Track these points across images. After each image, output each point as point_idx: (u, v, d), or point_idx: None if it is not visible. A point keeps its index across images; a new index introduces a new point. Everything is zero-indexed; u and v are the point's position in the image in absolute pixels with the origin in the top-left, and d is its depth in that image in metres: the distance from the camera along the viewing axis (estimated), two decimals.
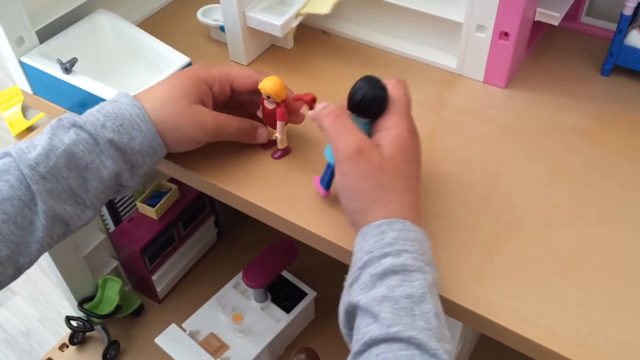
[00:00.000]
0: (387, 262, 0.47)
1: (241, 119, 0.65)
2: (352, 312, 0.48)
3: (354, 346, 0.46)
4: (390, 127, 0.54)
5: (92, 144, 0.57)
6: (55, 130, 0.57)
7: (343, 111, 0.56)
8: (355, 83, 0.56)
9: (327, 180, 0.60)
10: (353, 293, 0.48)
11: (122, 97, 0.60)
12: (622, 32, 0.71)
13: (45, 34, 0.75)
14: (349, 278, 0.50)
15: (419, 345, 0.43)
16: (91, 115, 0.58)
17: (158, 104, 0.60)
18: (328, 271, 1.09)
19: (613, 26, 0.73)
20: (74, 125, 0.57)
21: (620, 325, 0.52)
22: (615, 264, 0.56)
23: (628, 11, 0.70)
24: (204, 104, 0.63)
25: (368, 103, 0.55)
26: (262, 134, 0.67)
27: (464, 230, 0.59)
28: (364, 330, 0.45)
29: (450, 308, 0.55)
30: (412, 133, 0.55)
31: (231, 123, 0.64)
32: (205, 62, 0.66)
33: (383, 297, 0.46)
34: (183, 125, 0.61)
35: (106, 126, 0.57)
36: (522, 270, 0.56)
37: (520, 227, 0.59)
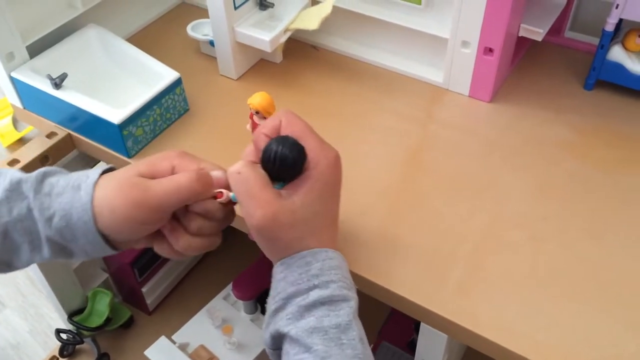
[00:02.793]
0: (314, 295, 0.48)
1: (179, 177, 0.52)
2: (280, 339, 0.49)
3: None
4: (307, 169, 0.50)
5: (32, 232, 0.52)
6: (11, 194, 0.52)
7: (247, 168, 0.50)
8: (271, 143, 0.50)
9: None
10: (281, 322, 0.48)
11: (83, 190, 0.52)
12: (604, 47, 0.73)
13: (36, 49, 0.75)
14: (271, 304, 0.50)
15: None
16: (47, 197, 0.52)
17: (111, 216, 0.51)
18: None
19: (596, 40, 0.74)
20: (28, 198, 0.52)
21: (604, 337, 0.52)
22: (599, 276, 0.57)
23: (610, 27, 0.71)
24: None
25: (280, 164, 0.49)
26: (218, 177, 0.54)
27: (449, 243, 0.60)
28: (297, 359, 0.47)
29: (435, 320, 0.55)
30: (332, 163, 0.51)
31: (170, 187, 0.51)
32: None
33: (313, 328, 0.47)
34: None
35: (51, 222, 0.51)
36: (506, 283, 0.57)
37: (504, 240, 0.60)
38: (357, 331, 0.48)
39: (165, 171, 0.53)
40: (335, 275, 0.49)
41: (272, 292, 0.51)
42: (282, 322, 0.48)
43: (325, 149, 0.51)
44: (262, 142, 0.51)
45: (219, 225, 0.55)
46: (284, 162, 0.49)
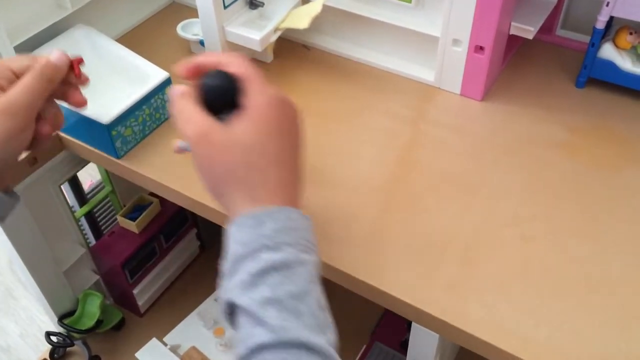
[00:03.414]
0: (266, 258, 0.45)
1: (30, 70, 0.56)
2: (233, 309, 0.46)
3: (239, 347, 0.44)
4: (244, 105, 0.49)
5: None
6: None
7: (186, 94, 0.51)
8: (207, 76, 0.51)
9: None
10: (233, 291, 0.45)
11: None
12: (595, 45, 0.73)
13: (24, 50, 0.75)
14: (224, 268, 0.47)
15: (306, 345, 0.43)
16: None
17: None
18: None
19: (588, 38, 0.74)
20: None
21: (594, 336, 0.52)
22: (590, 275, 0.57)
23: (600, 25, 0.71)
24: None
25: (212, 95, 0.50)
26: (56, 55, 0.57)
27: (440, 241, 0.60)
28: (249, 333, 0.44)
29: (426, 320, 0.55)
30: (274, 104, 0.50)
31: (28, 81, 0.55)
32: None
33: (266, 299, 0.44)
34: None
35: None
36: (497, 282, 0.56)
37: (496, 239, 0.60)
38: (315, 297, 0.45)
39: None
40: (292, 238, 0.46)
41: (225, 256, 0.48)
42: (235, 292, 0.45)
43: (268, 90, 0.50)
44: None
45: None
46: (213, 91, 0.50)
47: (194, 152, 0.49)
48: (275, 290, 0.44)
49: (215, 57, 0.52)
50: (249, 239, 0.46)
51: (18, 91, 0.54)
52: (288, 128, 0.51)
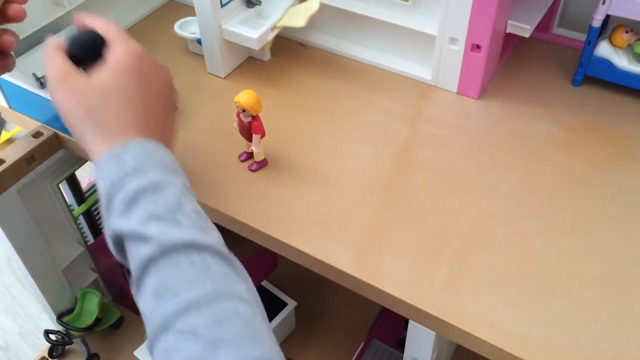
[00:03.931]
0: (133, 184, 0.47)
1: None
2: (119, 241, 0.47)
3: (134, 273, 0.45)
4: (106, 56, 0.53)
5: None
6: None
7: (58, 44, 0.55)
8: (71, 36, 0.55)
9: None
10: (115, 223, 0.47)
11: None
12: (591, 43, 0.73)
13: (21, 49, 0.75)
14: (102, 209, 0.49)
15: (193, 244, 0.44)
16: None
17: None
18: (308, 281, 1.10)
19: (584, 37, 0.74)
20: None
21: (591, 333, 0.53)
22: (586, 273, 0.57)
23: (596, 23, 0.71)
24: None
25: (76, 47, 0.54)
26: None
27: (437, 240, 0.60)
28: (138, 254, 0.45)
29: (423, 318, 0.55)
30: (134, 55, 0.53)
31: None
32: None
33: (145, 217, 0.45)
34: None
35: None
36: (493, 279, 0.57)
37: (491, 237, 0.60)
38: (192, 207, 0.47)
39: None
40: (154, 162, 0.49)
41: (99, 198, 0.50)
42: (117, 223, 0.46)
43: (130, 44, 0.54)
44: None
45: None
46: (78, 43, 0.54)
47: (55, 94, 0.52)
48: (151, 207, 0.46)
49: (88, 19, 0.57)
50: (113, 174, 0.48)
51: None
52: (149, 78, 0.54)
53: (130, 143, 0.49)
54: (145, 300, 0.44)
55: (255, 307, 0.45)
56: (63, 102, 0.52)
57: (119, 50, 0.53)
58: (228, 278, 0.45)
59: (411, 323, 0.61)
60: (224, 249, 0.47)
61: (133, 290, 0.46)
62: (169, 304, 0.42)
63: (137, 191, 0.46)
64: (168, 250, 0.44)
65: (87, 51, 0.54)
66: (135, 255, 0.45)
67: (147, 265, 0.44)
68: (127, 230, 0.46)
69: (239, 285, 0.45)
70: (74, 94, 0.51)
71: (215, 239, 0.47)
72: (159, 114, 0.54)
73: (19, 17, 0.59)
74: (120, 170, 0.48)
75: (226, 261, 0.46)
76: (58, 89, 0.52)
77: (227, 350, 0.40)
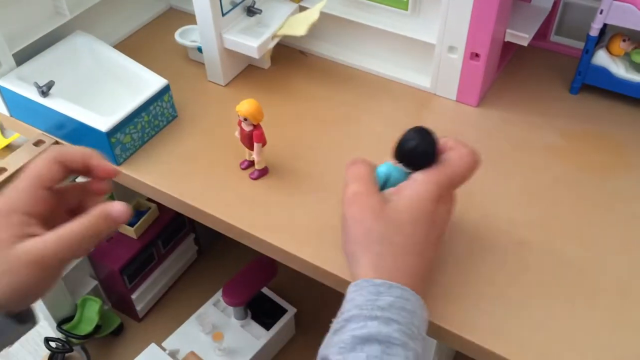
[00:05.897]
0: (373, 327, 0.45)
1: (80, 218, 0.50)
2: None
3: None
4: (415, 180, 0.52)
5: None
6: None
7: (362, 163, 0.55)
8: (407, 131, 0.54)
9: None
10: (333, 348, 0.46)
11: None
12: (589, 52, 0.74)
13: (23, 57, 0.75)
14: (335, 324, 0.48)
15: None
16: None
17: None
18: (308, 288, 1.10)
19: (582, 45, 0.75)
20: None
21: (591, 340, 0.53)
22: (586, 280, 0.57)
23: (594, 32, 0.72)
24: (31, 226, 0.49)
25: (417, 156, 0.53)
26: (119, 210, 0.53)
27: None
28: None
29: None
30: (434, 198, 0.51)
31: (73, 232, 0.49)
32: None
33: None
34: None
35: None
36: (493, 287, 0.57)
37: (492, 245, 0.61)
38: None
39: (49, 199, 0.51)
40: (403, 318, 0.47)
41: (339, 312, 0.49)
42: (334, 350, 0.46)
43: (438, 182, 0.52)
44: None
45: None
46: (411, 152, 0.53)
47: (345, 205, 0.52)
48: None
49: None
50: (363, 303, 0.47)
51: (56, 240, 0.47)
52: (435, 226, 0.52)
53: (393, 285, 0.48)
54: None
55: None
56: (349, 218, 0.52)
57: (426, 188, 0.51)
58: None
59: None
60: None
61: None
62: None
63: (371, 336, 0.45)
64: None
65: (417, 164, 0.53)
66: None
67: None
68: None
69: None
70: (361, 213, 0.51)
71: None
72: (430, 258, 0.53)
73: (104, 191, 0.57)
74: (371, 305, 0.47)
75: None
76: (348, 206, 0.52)
77: None
